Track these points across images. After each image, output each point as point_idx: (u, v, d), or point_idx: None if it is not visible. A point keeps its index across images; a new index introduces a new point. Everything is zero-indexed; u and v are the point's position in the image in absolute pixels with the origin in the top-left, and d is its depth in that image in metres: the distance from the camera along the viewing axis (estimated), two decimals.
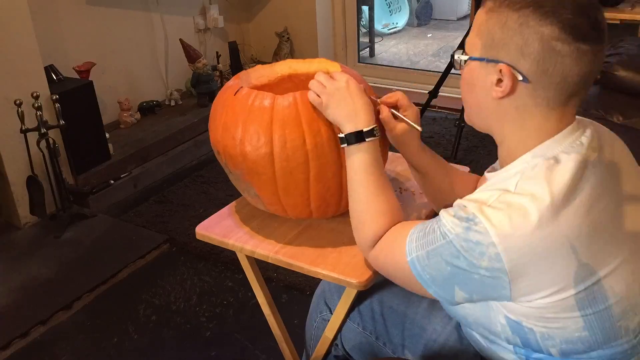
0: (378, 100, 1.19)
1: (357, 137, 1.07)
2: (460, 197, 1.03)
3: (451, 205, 0.93)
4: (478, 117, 0.99)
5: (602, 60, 0.89)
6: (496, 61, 0.89)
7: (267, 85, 1.36)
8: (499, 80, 0.90)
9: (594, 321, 0.88)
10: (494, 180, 0.94)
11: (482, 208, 0.86)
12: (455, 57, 0.97)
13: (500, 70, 0.89)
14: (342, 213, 1.28)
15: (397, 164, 1.50)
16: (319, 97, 1.12)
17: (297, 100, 1.16)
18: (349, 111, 1.09)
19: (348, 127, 1.09)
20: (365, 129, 1.07)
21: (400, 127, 1.16)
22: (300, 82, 1.36)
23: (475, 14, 2.99)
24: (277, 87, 1.37)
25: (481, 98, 0.95)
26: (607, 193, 0.90)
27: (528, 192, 0.86)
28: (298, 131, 1.14)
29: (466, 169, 1.34)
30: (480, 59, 0.92)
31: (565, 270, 0.85)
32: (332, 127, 1.15)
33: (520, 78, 0.88)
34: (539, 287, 0.86)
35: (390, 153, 1.53)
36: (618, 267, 0.88)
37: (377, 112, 1.17)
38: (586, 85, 0.89)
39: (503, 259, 0.84)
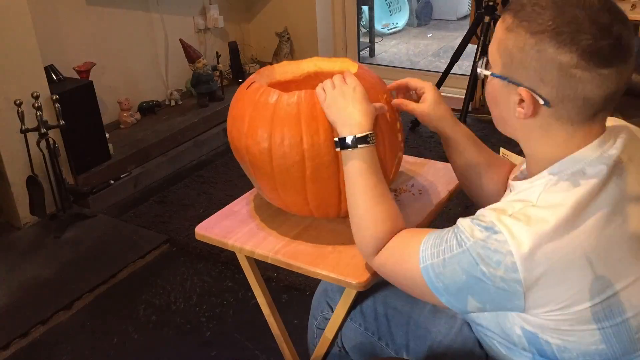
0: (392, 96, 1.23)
1: (351, 142, 1.08)
2: (490, 181, 1.07)
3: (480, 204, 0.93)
4: (504, 129, 0.99)
5: (629, 75, 0.86)
6: (517, 84, 0.89)
7: (292, 81, 1.37)
8: (520, 102, 0.89)
9: (611, 334, 0.88)
10: (518, 189, 0.93)
11: (501, 218, 0.86)
12: (478, 70, 0.97)
13: (520, 93, 0.88)
14: (344, 216, 1.27)
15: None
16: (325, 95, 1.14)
17: (300, 98, 1.16)
18: (347, 115, 1.10)
19: (343, 131, 1.09)
20: (358, 135, 1.07)
21: (425, 110, 1.18)
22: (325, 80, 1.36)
23: (475, 14, 2.98)
24: (303, 84, 1.37)
25: (505, 114, 0.95)
26: (631, 205, 0.88)
27: (549, 204, 0.85)
28: (296, 129, 1.15)
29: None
30: (502, 78, 0.91)
31: (581, 282, 0.84)
32: (330, 129, 1.15)
33: (542, 102, 0.87)
34: (553, 298, 0.85)
35: None
36: (637, 280, 0.87)
37: (393, 115, 1.20)
38: (612, 102, 0.87)
39: (519, 269, 0.83)
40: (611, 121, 0.96)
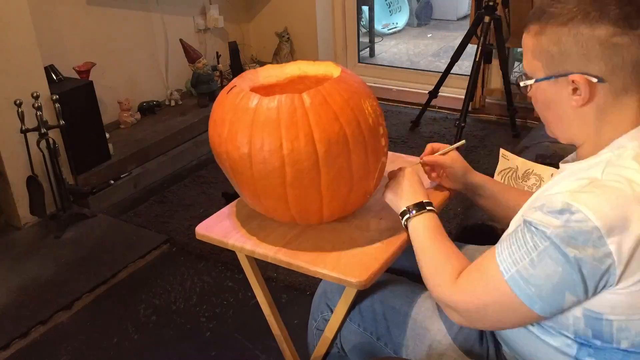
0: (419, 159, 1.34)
1: (420, 206, 1.17)
2: (515, 209, 1.06)
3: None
4: (560, 130, 1.01)
5: None
6: (566, 74, 0.92)
7: (277, 85, 1.35)
8: (575, 90, 0.92)
9: None
10: (574, 169, 0.95)
11: (575, 196, 0.86)
12: (521, 84, 1.00)
13: (574, 81, 0.91)
14: (329, 222, 1.28)
15: (397, 163, 1.50)
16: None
17: (281, 103, 1.13)
18: (409, 194, 1.20)
19: (409, 202, 1.18)
20: (424, 200, 1.18)
21: (448, 161, 1.30)
22: (310, 84, 1.33)
23: (475, 14, 2.99)
24: (286, 88, 1.35)
25: (560, 112, 0.97)
26: None
27: (620, 176, 0.86)
28: (275, 134, 1.12)
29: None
30: (548, 78, 0.95)
31: None
32: (311, 134, 1.12)
33: (595, 80, 0.90)
34: None
35: (390, 153, 1.54)
36: None
37: (376, 120, 1.23)
38: None
39: (607, 241, 0.83)
40: None
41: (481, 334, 1.16)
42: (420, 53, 5.03)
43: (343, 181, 1.17)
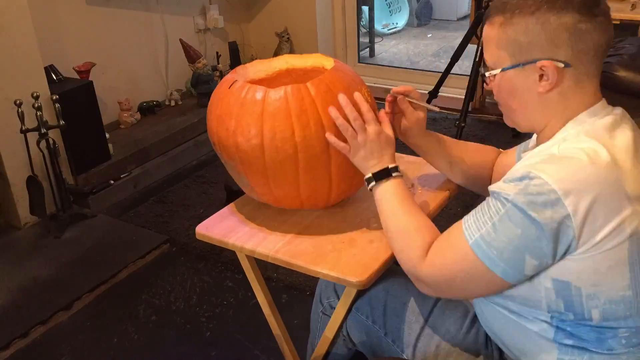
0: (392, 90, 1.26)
1: (385, 173, 1.15)
2: (479, 169, 1.18)
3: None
4: (523, 118, 1.04)
5: (612, 25, 0.98)
6: (533, 61, 0.96)
7: (265, 79, 1.39)
8: (541, 77, 0.97)
9: (638, 278, 0.92)
10: (534, 152, 0.98)
11: (534, 165, 0.91)
12: (487, 74, 1.03)
13: (541, 67, 0.96)
14: (334, 205, 1.32)
15: (397, 163, 1.50)
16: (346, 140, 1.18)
17: (287, 93, 1.18)
18: (376, 160, 1.16)
19: (375, 168, 1.15)
20: (390, 166, 1.15)
21: (416, 114, 1.25)
22: (297, 77, 1.39)
23: (475, 14, 2.99)
24: (275, 81, 1.39)
25: (525, 98, 1.01)
26: None
27: (575, 148, 0.92)
28: (287, 123, 1.17)
29: None
30: (515, 66, 0.99)
31: (622, 213, 0.89)
32: (320, 121, 1.18)
33: (562, 65, 0.95)
34: (600, 228, 0.89)
35: None
36: None
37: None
38: (607, 51, 0.98)
39: (565, 203, 0.87)
40: None
41: (487, 337, 1.16)
42: (420, 53, 5.03)
43: (350, 163, 1.20)
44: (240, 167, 1.24)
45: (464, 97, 2.97)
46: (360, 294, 1.28)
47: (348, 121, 1.16)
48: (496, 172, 1.28)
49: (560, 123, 0.99)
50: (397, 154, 1.54)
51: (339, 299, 1.31)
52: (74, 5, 3.02)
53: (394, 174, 1.15)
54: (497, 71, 1.01)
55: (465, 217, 0.99)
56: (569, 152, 0.91)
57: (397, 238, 1.10)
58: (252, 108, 1.19)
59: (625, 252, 0.90)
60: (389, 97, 1.25)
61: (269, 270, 2.19)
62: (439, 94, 3.25)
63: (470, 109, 3.31)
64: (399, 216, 1.11)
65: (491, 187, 0.96)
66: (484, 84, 1.06)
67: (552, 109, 0.99)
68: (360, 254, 1.18)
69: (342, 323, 1.30)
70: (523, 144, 1.21)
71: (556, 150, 0.93)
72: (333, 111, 1.17)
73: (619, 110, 1.01)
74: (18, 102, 2.38)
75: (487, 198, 0.97)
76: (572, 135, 0.96)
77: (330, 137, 1.18)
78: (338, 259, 1.18)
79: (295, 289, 2.18)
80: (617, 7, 3.06)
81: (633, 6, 3.01)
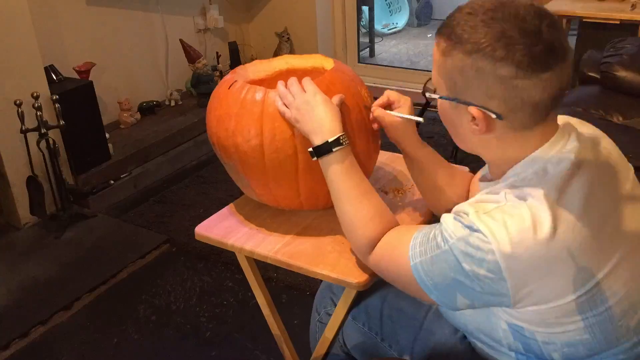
0: (372, 105, 1.20)
1: (325, 148, 1.08)
2: (454, 195, 1.08)
3: (450, 210, 0.93)
4: (464, 145, 0.99)
5: (570, 73, 0.88)
6: (466, 103, 0.90)
7: (265, 79, 1.39)
8: (474, 118, 0.90)
9: (595, 324, 0.89)
10: (487, 190, 0.94)
11: (480, 217, 0.87)
12: (427, 94, 0.97)
13: (472, 114, 0.89)
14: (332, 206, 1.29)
15: (397, 164, 1.50)
16: (288, 108, 1.14)
17: None
18: (315, 124, 1.10)
19: (316, 140, 1.09)
20: (330, 139, 1.08)
21: (395, 122, 1.16)
22: (297, 78, 1.37)
23: None
24: (275, 82, 1.37)
25: (461, 131, 0.95)
26: (600, 193, 0.90)
27: (519, 203, 0.86)
28: (287, 123, 1.16)
29: (465, 169, 1.35)
30: (449, 99, 0.92)
31: (565, 275, 0.85)
32: None
33: (494, 116, 0.88)
34: (539, 293, 0.86)
35: (389, 153, 1.54)
36: (616, 267, 0.88)
37: (372, 119, 1.21)
38: (561, 99, 0.89)
39: (502, 266, 0.84)
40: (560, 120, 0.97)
41: None
42: (420, 53, 5.03)
43: None
44: (240, 167, 1.23)
45: None
46: (357, 301, 1.28)
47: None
48: (471, 195, 1.22)
49: (507, 164, 0.93)
50: (397, 154, 1.54)
51: (335, 306, 1.31)
52: (74, 5, 3.02)
53: (334, 149, 1.07)
54: (436, 96, 0.95)
55: (416, 234, 0.96)
56: (514, 206, 0.86)
57: (344, 226, 1.10)
58: (251, 108, 1.18)
59: (572, 305, 0.87)
60: (372, 118, 1.21)
61: (269, 270, 2.19)
62: None
63: None
64: (343, 201, 1.08)
65: (442, 217, 0.93)
66: (423, 96, 1.00)
67: (492, 149, 0.94)
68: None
69: (342, 324, 1.30)
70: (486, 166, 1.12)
71: (503, 198, 0.88)
72: (279, 84, 1.16)
73: (574, 144, 0.91)
74: (18, 102, 2.38)
75: (438, 224, 0.94)
76: (518, 181, 0.90)
77: (279, 105, 1.15)
78: (338, 259, 1.18)
79: (295, 289, 2.18)
80: (617, 7, 3.07)
81: (633, 6, 3.01)
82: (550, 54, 0.84)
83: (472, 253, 0.86)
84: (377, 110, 1.18)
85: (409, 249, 0.95)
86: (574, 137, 0.92)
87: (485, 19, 0.85)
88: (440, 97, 0.94)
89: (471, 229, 0.86)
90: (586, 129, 0.99)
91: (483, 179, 1.04)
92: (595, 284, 0.87)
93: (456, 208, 0.92)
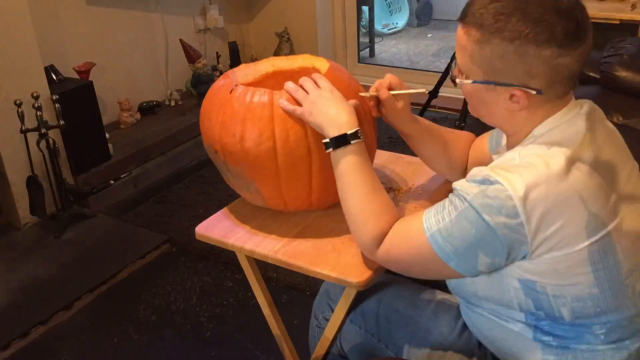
0: (370, 92, 1.24)
1: (342, 140, 1.09)
2: (456, 152, 1.20)
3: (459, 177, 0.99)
4: (490, 121, 1.05)
5: (592, 41, 0.96)
6: (507, 85, 0.95)
7: (252, 83, 1.37)
8: (512, 96, 0.96)
9: (604, 277, 0.93)
10: (500, 160, 0.99)
11: (495, 170, 0.92)
12: (457, 81, 1.02)
13: (513, 93, 0.95)
14: (333, 205, 1.30)
15: (397, 164, 1.50)
16: (295, 101, 1.16)
17: None
18: (332, 117, 1.11)
19: (332, 132, 1.10)
20: (349, 132, 1.10)
21: (399, 103, 1.23)
22: (283, 79, 1.36)
23: None
24: (262, 85, 1.37)
25: (494, 110, 1.01)
26: (606, 156, 0.96)
27: (534, 155, 0.92)
28: (300, 124, 1.16)
29: (468, 132, 1.39)
30: (487, 83, 0.97)
31: (578, 220, 0.90)
32: None
33: (534, 93, 0.94)
34: (554, 238, 0.90)
35: (389, 153, 1.54)
36: (622, 224, 0.93)
37: (367, 110, 1.24)
38: (585, 66, 0.97)
39: (519, 211, 0.88)
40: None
41: None
42: (420, 53, 5.03)
43: None
44: (248, 173, 1.22)
45: (464, 97, 2.97)
46: (354, 305, 1.28)
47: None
48: (471, 157, 1.30)
49: (527, 131, 0.99)
50: (397, 154, 1.54)
51: (333, 312, 1.31)
52: (74, 5, 3.02)
53: (352, 142, 1.09)
54: (469, 82, 0.99)
55: (427, 210, 1.00)
56: (528, 159, 0.92)
57: (351, 220, 1.10)
58: (260, 112, 1.17)
59: (585, 254, 0.91)
60: (370, 102, 1.25)
61: (269, 270, 2.19)
62: (439, 94, 3.25)
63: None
64: (355, 194, 1.09)
65: (454, 184, 0.97)
66: (453, 83, 1.04)
67: (520, 122, 1.00)
68: (360, 254, 1.18)
69: (342, 324, 1.30)
70: (495, 131, 1.21)
71: (517, 157, 0.94)
72: (287, 83, 1.18)
73: (585, 109, 1.00)
74: (18, 102, 2.38)
75: (449, 194, 0.98)
76: (535, 140, 0.96)
77: (283, 102, 1.16)
78: (338, 259, 1.18)
79: (295, 289, 2.18)
80: (617, 7, 3.07)
81: (633, 6, 3.02)
82: (581, 30, 0.92)
83: (490, 203, 0.90)
84: (382, 91, 1.23)
85: (423, 223, 0.98)
86: (587, 106, 1.00)
87: (519, 4, 0.91)
88: (475, 82, 0.98)
89: (487, 182, 0.91)
90: (595, 106, 1.05)
91: (497, 153, 1.11)
92: (606, 233, 0.92)
93: (468, 175, 0.96)
